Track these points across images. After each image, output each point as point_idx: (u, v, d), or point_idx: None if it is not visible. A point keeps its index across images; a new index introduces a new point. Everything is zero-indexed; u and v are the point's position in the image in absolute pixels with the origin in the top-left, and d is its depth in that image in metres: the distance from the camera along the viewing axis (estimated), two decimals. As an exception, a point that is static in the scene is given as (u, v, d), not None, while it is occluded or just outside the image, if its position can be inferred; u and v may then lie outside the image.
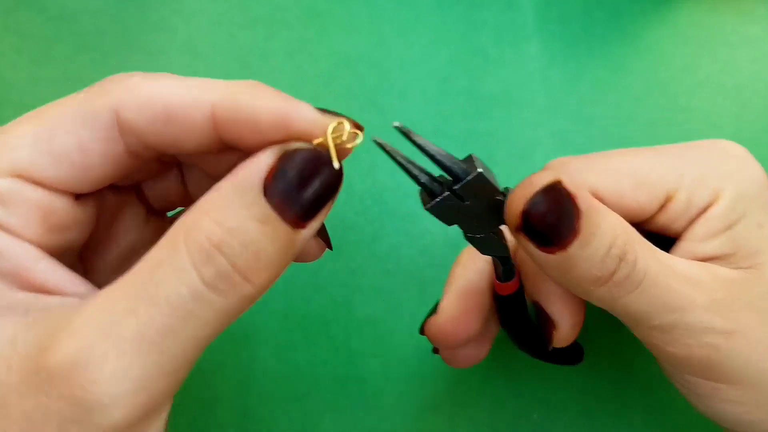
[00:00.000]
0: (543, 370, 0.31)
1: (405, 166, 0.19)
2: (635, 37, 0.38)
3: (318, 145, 0.16)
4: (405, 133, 0.18)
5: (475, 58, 0.37)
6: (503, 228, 0.21)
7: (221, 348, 0.31)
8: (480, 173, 0.18)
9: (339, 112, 0.17)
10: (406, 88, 0.36)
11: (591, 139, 0.36)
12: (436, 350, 0.27)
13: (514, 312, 0.25)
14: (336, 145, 0.16)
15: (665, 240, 0.22)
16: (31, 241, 0.16)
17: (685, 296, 0.19)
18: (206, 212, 0.15)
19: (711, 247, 0.21)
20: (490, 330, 0.26)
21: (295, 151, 0.16)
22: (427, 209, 0.19)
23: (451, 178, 0.19)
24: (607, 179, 0.21)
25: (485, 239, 0.21)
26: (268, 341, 0.32)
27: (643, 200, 0.21)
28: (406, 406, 0.31)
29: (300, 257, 0.20)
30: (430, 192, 0.19)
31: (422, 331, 0.25)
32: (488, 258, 0.24)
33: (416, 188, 0.19)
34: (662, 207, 0.21)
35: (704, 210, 0.21)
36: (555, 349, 0.26)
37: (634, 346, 0.29)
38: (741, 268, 0.20)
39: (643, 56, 0.37)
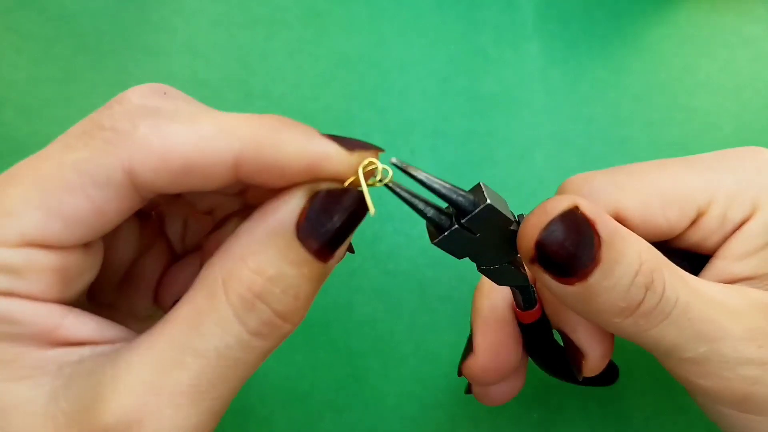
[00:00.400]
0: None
1: (410, 201, 0.17)
2: (635, 37, 0.38)
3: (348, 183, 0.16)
4: (403, 169, 0.17)
5: (475, 58, 0.37)
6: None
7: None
8: (489, 205, 0.17)
9: (360, 139, 0.17)
10: (406, 88, 0.36)
11: (591, 139, 0.36)
12: (469, 390, 0.26)
13: (539, 340, 0.23)
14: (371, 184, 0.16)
15: (697, 257, 0.21)
16: (53, 301, 0.16)
17: (719, 325, 0.18)
18: (243, 260, 0.15)
19: (748, 267, 0.19)
20: (524, 360, 0.25)
21: (324, 192, 0.16)
22: (434, 243, 0.18)
23: (456, 210, 0.18)
24: (634, 197, 0.20)
25: (500, 270, 0.19)
26: (268, 341, 0.32)
27: (674, 217, 0.20)
28: (406, 406, 0.31)
29: None
30: (437, 225, 0.18)
31: (460, 373, 0.24)
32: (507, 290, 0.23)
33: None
34: (694, 223, 0.20)
35: (740, 225, 0.20)
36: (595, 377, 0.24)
37: (634, 347, 0.29)
38: None
39: (643, 56, 0.37)
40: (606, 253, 0.16)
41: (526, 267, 0.18)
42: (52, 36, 0.35)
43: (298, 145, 0.15)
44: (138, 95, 0.16)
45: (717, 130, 0.36)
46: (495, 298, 0.23)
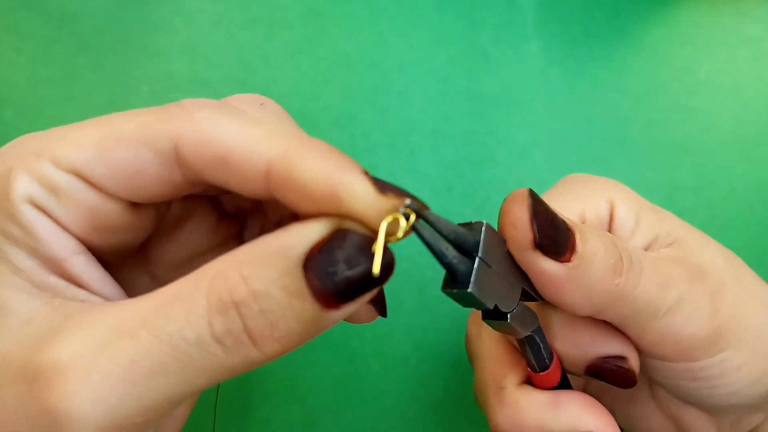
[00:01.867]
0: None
1: (432, 247, 0.16)
2: (635, 37, 0.38)
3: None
4: (417, 213, 0.15)
5: (475, 58, 0.37)
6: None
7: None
8: (488, 225, 0.17)
9: (401, 187, 0.15)
10: (406, 88, 0.36)
11: (591, 139, 0.36)
12: None
13: None
14: (390, 238, 0.14)
15: None
16: (75, 235, 0.16)
17: (670, 270, 0.20)
18: (239, 264, 0.14)
19: (639, 241, 0.22)
20: None
21: (348, 232, 0.14)
22: (470, 291, 0.16)
23: (461, 248, 0.17)
24: None
25: (520, 312, 0.18)
26: (268, 341, 0.32)
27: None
28: (406, 406, 0.31)
29: (348, 318, 0.18)
30: (452, 274, 0.17)
31: None
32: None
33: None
34: None
35: (612, 219, 0.22)
36: None
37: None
38: (669, 246, 0.22)
39: (643, 56, 0.37)
40: (572, 225, 0.18)
41: (522, 260, 0.18)
42: (52, 36, 0.35)
43: (325, 167, 0.15)
44: (234, 99, 0.17)
45: (717, 130, 0.36)
46: (501, 371, 0.21)
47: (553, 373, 0.20)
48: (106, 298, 0.16)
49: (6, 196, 0.15)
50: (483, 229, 0.17)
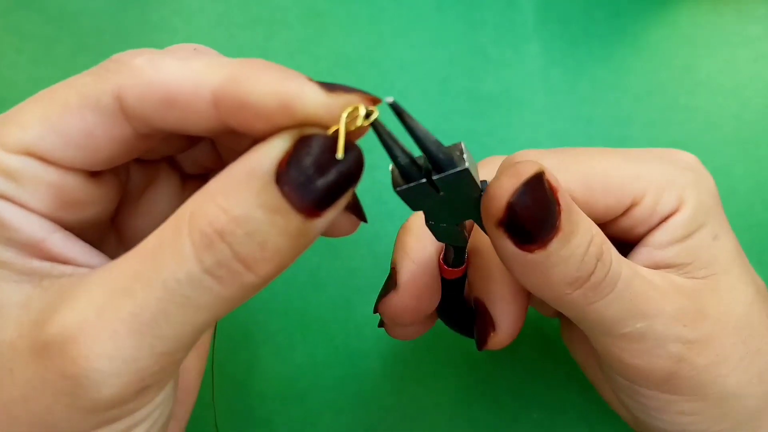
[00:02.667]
0: (543, 370, 0.31)
1: (387, 143, 0.16)
2: (635, 37, 0.38)
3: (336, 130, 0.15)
4: (398, 113, 0.16)
5: (475, 58, 0.37)
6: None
7: (221, 348, 0.31)
8: (466, 170, 0.17)
9: (348, 85, 0.15)
10: (406, 88, 0.36)
11: (591, 139, 0.36)
12: (382, 324, 0.25)
13: (453, 297, 0.24)
14: (351, 131, 0.15)
15: (619, 245, 0.22)
16: (45, 216, 0.16)
17: (654, 303, 0.19)
18: (213, 196, 0.14)
19: (669, 255, 0.20)
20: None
21: (312, 137, 0.15)
22: (396, 191, 0.17)
23: (431, 166, 0.17)
24: (579, 180, 0.20)
25: (447, 230, 0.19)
26: (268, 341, 0.32)
27: (612, 203, 0.21)
28: (406, 406, 0.31)
29: (329, 232, 0.19)
30: (404, 174, 0.17)
31: (377, 310, 0.23)
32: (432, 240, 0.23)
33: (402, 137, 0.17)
34: (627, 211, 0.21)
35: (667, 217, 0.21)
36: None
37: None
38: (695, 278, 0.20)
39: (643, 56, 0.37)
40: (565, 222, 0.17)
41: (488, 231, 0.18)
42: (52, 36, 0.35)
43: (272, 80, 0.15)
44: (168, 49, 0.17)
45: (717, 130, 0.36)
46: (426, 243, 0.22)
47: (457, 272, 0.22)
48: (94, 268, 0.16)
49: None
50: (459, 170, 0.17)
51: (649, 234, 0.21)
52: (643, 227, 0.21)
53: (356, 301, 0.32)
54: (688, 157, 0.22)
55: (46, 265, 0.16)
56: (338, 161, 0.14)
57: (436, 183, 0.17)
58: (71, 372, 0.14)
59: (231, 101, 0.15)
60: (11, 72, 0.34)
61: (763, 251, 0.34)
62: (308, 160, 0.14)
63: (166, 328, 0.14)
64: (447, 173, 0.17)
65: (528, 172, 0.17)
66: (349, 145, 0.15)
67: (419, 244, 0.22)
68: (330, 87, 0.15)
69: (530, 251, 0.17)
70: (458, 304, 0.25)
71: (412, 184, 0.17)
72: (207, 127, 0.16)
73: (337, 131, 0.15)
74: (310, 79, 0.15)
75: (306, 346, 0.32)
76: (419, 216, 0.23)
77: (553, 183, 0.17)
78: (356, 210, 0.19)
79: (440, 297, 0.23)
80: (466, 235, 0.20)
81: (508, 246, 0.17)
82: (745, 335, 0.20)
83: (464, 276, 0.23)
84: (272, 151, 0.14)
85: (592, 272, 0.18)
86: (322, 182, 0.14)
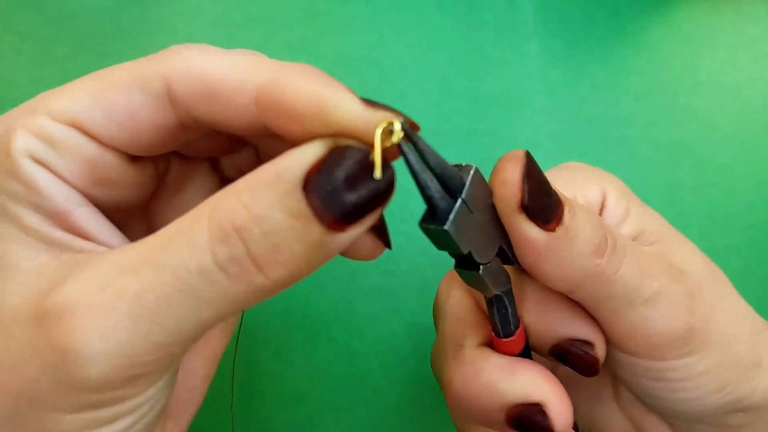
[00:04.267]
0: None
1: (416, 171, 0.16)
2: (635, 37, 0.38)
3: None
4: (408, 135, 0.15)
5: (475, 58, 0.37)
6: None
7: (221, 348, 0.31)
8: (476, 170, 0.17)
9: (389, 105, 0.15)
10: (406, 88, 0.36)
11: (591, 139, 0.36)
12: None
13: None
14: (385, 148, 0.14)
15: None
16: (77, 188, 0.16)
17: (653, 261, 0.20)
18: (237, 193, 0.14)
19: (625, 233, 0.21)
20: None
21: (347, 148, 0.14)
22: (446, 229, 0.16)
23: (444, 189, 0.16)
24: None
25: (494, 268, 0.18)
26: (269, 342, 0.32)
27: None
28: (406, 407, 0.31)
29: (350, 253, 0.18)
30: (431, 210, 0.16)
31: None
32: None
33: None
34: None
35: (602, 207, 0.22)
36: None
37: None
38: (653, 243, 0.21)
39: (643, 56, 0.37)
40: (563, 197, 0.18)
41: (508, 221, 0.17)
42: (52, 36, 0.35)
43: (312, 84, 0.15)
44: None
45: (717, 130, 0.36)
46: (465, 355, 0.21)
47: (516, 342, 0.19)
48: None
49: (6, 153, 0.15)
50: (471, 172, 0.17)
51: None
52: None
53: (357, 302, 0.32)
54: (577, 164, 0.25)
55: (68, 237, 0.16)
56: (366, 173, 0.14)
57: (465, 199, 0.16)
58: (62, 343, 0.14)
59: (271, 99, 0.15)
60: (11, 72, 0.34)
61: (763, 251, 0.34)
62: (339, 172, 0.14)
63: (167, 316, 0.14)
64: (468, 181, 0.16)
65: (520, 154, 0.17)
66: (385, 164, 0.14)
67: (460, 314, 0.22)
68: (369, 102, 0.15)
69: (552, 230, 0.17)
70: None
71: (455, 210, 0.16)
72: (247, 123, 0.16)
73: (369, 146, 0.14)
74: (350, 90, 0.15)
75: (307, 347, 0.32)
76: (450, 283, 0.23)
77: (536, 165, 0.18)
78: (381, 233, 0.18)
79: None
80: (505, 272, 0.19)
81: (533, 230, 0.17)
82: (712, 281, 0.21)
83: (527, 348, 0.20)
84: (304, 157, 0.14)
85: (607, 236, 0.18)
86: (350, 197, 0.14)
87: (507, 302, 0.19)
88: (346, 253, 0.17)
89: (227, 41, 0.37)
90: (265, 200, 0.14)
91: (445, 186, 0.16)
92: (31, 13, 0.36)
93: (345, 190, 0.14)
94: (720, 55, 0.38)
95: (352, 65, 0.37)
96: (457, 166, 0.17)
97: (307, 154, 0.14)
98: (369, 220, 0.15)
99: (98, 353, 0.14)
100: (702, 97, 0.37)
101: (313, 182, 0.14)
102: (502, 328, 0.19)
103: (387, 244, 0.18)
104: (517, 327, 0.19)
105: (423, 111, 0.36)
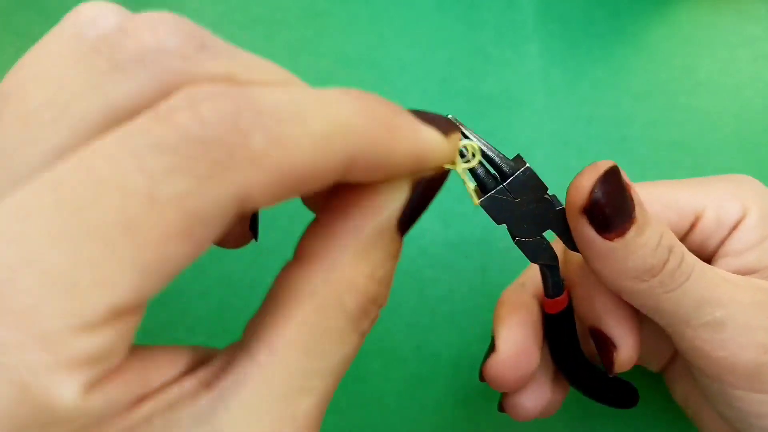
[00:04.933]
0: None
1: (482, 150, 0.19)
2: (635, 37, 0.38)
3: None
4: (458, 127, 0.18)
5: (475, 58, 0.37)
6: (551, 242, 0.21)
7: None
8: (529, 167, 0.19)
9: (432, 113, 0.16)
10: (406, 88, 0.36)
11: (591, 139, 0.36)
12: (501, 407, 0.26)
13: (564, 335, 0.24)
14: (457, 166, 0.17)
15: None
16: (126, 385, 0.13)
17: (731, 293, 0.19)
18: (357, 267, 0.14)
19: (748, 260, 0.21)
20: (554, 374, 0.26)
21: (425, 181, 0.16)
22: (480, 204, 0.20)
23: (498, 175, 0.20)
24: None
25: (534, 243, 0.21)
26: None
27: (674, 219, 0.22)
28: (406, 407, 0.31)
29: (224, 242, 0.18)
30: (482, 186, 0.20)
31: (482, 377, 0.24)
32: (531, 293, 0.25)
33: None
34: (692, 227, 0.22)
35: (735, 226, 0.22)
36: (609, 388, 0.25)
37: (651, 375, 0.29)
38: None
39: (643, 56, 0.37)
40: (640, 215, 0.19)
41: (571, 221, 0.19)
42: (52, 36, 0.35)
43: (409, 140, 0.14)
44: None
45: (717, 130, 0.36)
46: (517, 305, 0.24)
47: (557, 304, 0.23)
48: (193, 370, 0.14)
49: (45, 408, 0.10)
50: (521, 169, 0.19)
51: (722, 245, 0.22)
52: (714, 240, 0.22)
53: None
54: (747, 177, 0.23)
55: (148, 408, 0.12)
56: (435, 191, 0.16)
57: (508, 188, 0.19)
58: None
59: (368, 165, 0.13)
60: (11, 72, 0.34)
61: (763, 251, 0.34)
62: (419, 200, 0.15)
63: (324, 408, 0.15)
64: (515, 174, 0.19)
65: (606, 165, 0.19)
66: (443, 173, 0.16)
67: (512, 308, 0.24)
68: (441, 127, 0.15)
69: (610, 239, 0.18)
70: (573, 348, 0.24)
71: (491, 193, 0.19)
72: (325, 186, 0.14)
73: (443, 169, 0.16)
74: (422, 119, 0.15)
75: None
76: (509, 291, 0.25)
77: (627, 180, 0.19)
78: (253, 224, 0.19)
79: (541, 353, 0.24)
80: (553, 250, 0.21)
81: (591, 234, 0.19)
82: None
83: (570, 307, 0.23)
84: (396, 206, 0.15)
85: (666, 260, 0.19)
86: (421, 210, 0.16)
87: (549, 274, 0.22)
88: (222, 242, 0.17)
89: (227, 41, 0.37)
90: (381, 262, 0.15)
91: (497, 167, 0.19)
92: (31, 13, 0.36)
93: (421, 208, 0.16)
94: (720, 55, 0.38)
95: (352, 65, 0.37)
96: (515, 159, 0.20)
97: (398, 202, 0.15)
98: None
99: None
100: (702, 97, 0.37)
101: (402, 218, 0.15)
102: (545, 291, 0.23)
103: (255, 235, 0.19)
104: (558, 294, 0.23)
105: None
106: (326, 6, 0.38)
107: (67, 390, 0.10)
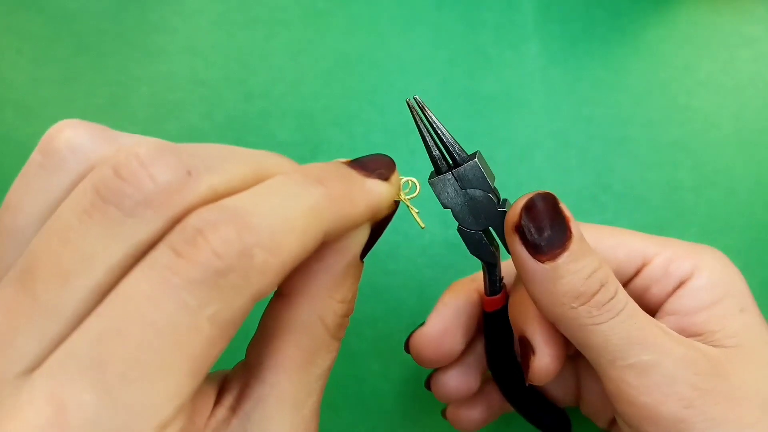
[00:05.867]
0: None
1: (422, 132, 0.21)
2: (635, 37, 0.38)
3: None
4: (421, 108, 0.21)
5: (475, 58, 0.37)
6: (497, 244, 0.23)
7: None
8: (475, 163, 0.21)
9: (372, 156, 0.19)
10: (406, 88, 0.36)
11: (591, 139, 0.36)
12: (428, 385, 0.28)
13: (497, 335, 0.25)
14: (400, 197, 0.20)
15: None
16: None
17: (662, 341, 0.19)
18: (332, 296, 0.18)
19: (692, 322, 0.21)
20: (492, 388, 0.27)
21: (378, 222, 0.19)
22: (429, 182, 0.21)
23: (452, 163, 0.21)
24: (590, 237, 0.21)
25: (476, 237, 0.22)
26: (268, 341, 0.32)
27: (621, 258, 0.23)
28: (406, 407, 0.31)
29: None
30: (436, 168, 0.21)
31: (406, 348, 0.26)
32: (475, 288, 0.26)
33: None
34: (638, 272, 0.23)
35: (683, 283, 0.22)
36: (538, 407, 0.26)
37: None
38: (723, 347, 0.20)
39: (643, 56, 0.37)
40: (574, 245, 0.19)
41: (507, 238, 0.20)
42: (52, 36, 0.35)
43: (364, 201, 0.18)
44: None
45: (717, 130, 0.36)
46: (459, 293, 0.26)
47: (497, 301, 0.24)
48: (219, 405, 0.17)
49: None
50: (470, 161, 0.21)
51: (669, 300, 0.22)
52: (659, 290, 0.22)
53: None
54: (712, 248, 0.23)
55: None
56: (386, 224, 0.19)
57: (456, 175, 0.21)
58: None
59: (337, 231, 0.17)
60: (11, 72, 0.34)
61: (763, 251, 0.34)
62: (375, 235, 0.19)
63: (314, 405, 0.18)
64: (462, 166, 0.21)
65: (543, 192, 0.20)
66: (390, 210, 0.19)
67: (453, 294, 0.26)
68: (382, 174, 0.18)
69: (541, 261, 0.19)
70: (504, 347, 0.25)
71: (440, 176, 0.21)
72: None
73: (395, 202, 0.19)
74: (363, 172, 0.18)
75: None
76: (461, 280, 0.26)
77: (567, 212, 0.20)
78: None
79: (468, 337, 0.25)
80: (494, 250, 0.22)
81: (522, 252, 0.19)
82: (759, 413, 0.19)
83: (505, 309, 0.24)
84: (359, 244, 0.18)
85: (597, 291, 0.19)
86: (375, 240, 0.19)
87: (488, 272, 0.23)
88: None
89: (227, 41, 0.37)
90: (351, 287, 0.18)
91: (452, 157, 0.21)
92: (31, 13, 0.36)
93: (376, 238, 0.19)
94: (720, 55, 0.38)
95: (352, 65, 0.37)
96: (472, 154, 0.21)
97: (361, 241, 0.18)
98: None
99: None
100: (702, 97, 0.37)
101: (364, 252, 0.18)
102: (484, 288, 0.24)
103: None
104: (494, 293, 0.24)
105: (423, 111, 0.36)
106: (326, 6, 0.38)
107: None
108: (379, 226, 0.19)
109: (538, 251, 0.19)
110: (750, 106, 0.37)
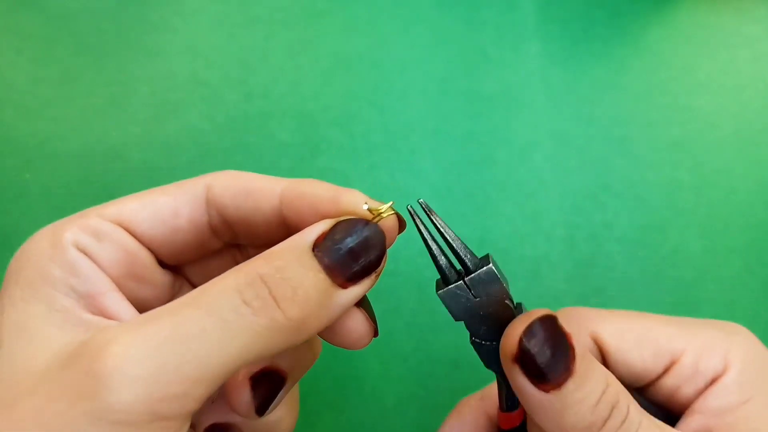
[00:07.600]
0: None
1: (426, 240, 0.19)
2: (635, 37, 0.38)
3: (366, 216, 0.19)
4: (427, 212, 0.19)
5: (475, 58, 0.37)
6: None
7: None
8: (491, 268, 0.19)
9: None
10: (406, 88, 0.36)
11: (591, 139, 0.36)
12: None
13: None
14: (377, 219, 0.19)
15: (673, 418, 0.21)
16: (111, 276, 0.19)
17: None
18: (261, 256, 0.17)
19: (722, 423, 0.20)
20: None
21: (344, 220, 0.18)
22: (438, 294, 0.19)
23: (462, 269, 0.19)
24: (611, 326, 0.21)
25: (491, 349, 0.20)
26: (268, 341, 0.32)
27: (648, 357, 0.21)
28: (406, 406, 0.31)
29: (343, 337, 0.20)
30: (444, 276, 0.19)
31: None
32: (485, 405, 0.24)
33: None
34: (667, 371, 0.21)
35: (714, 380, 0.21)
36: None
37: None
38: None
39: (643, 56, 0.37)
40: (579, 366, 0.18)
41: (506, 370, 0.18)
42: (52, 36, 0.35)
43: (325, 186, 0.19)
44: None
45: (717, 130, 0.36)
46: (466, 418, 0.24)
47: (514, 418, 0.22)
48: None
49: (54, 244, 0.18)
50: (485, 267, 0.19)
51: (698, 399, 0.21)
52: (688, 389, 0.21)
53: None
54: (736, 326, 0.22)
55: (95, 320, 0.18)
56: (363, 233, 0.18)
57: (469, 284, 0.19)
58: (97, 369, 0.15)
59: (295, 193, 0.19)
60: (11, 72, 0.34)
61: (763, 251, 0.34)
62: (338, 234, 0.18)
63: (198, 345, 0.16)
64: (476, 272, 0.19)
65: (539, 313, 0.18)
66: (371, 222, 0.18)
67: (456, 414, 0.25)
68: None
69: (546, 390, 0.18)
70: None
71: (451, 286, 0.19)
72: (269, 220, 0.20)
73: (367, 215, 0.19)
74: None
75: (306, 346, 0.32)
76: (467, 398, 0.25)
77: (565, 329, 0.18)
78: (371, 316, 0.21)
79: None
80: None
81: (525, 383, 0.18)
82: None
83: (524, 426, 0.22)
84: (314, 230, 0.18)
85: (608, 418, 0.18)
86: (345, 248, 0.18)
87: (505, 386, 0.21)
88: (339, 338, 0.20)
89: (227, 41, 0.37)
90: (285, 257, 0.17)
91: (462, 262, 0.19)
92: (31, 13, 0.36)
93: (342, 245, 0.18)
94: (720, 56, 0.38)
95: (352, 65, 0.37)
96: (483, 258, 0.19)
97: (316, 227, 0.18)
98: (366, 283, 0.18)
99: (131, 378, 0.15)
100: (702, 97, 0.37)
101: (320, 244, 0.18)
102: (499, 403, 0.22)
103: (375, 330, 0.20)
104: (512, 409, 0.21)
105: (423, 111, 0.36)
106: (326, 6, 0.38)
107: None
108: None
109: (541, 380, 0.18)
110: (750, 106, 0.37)
